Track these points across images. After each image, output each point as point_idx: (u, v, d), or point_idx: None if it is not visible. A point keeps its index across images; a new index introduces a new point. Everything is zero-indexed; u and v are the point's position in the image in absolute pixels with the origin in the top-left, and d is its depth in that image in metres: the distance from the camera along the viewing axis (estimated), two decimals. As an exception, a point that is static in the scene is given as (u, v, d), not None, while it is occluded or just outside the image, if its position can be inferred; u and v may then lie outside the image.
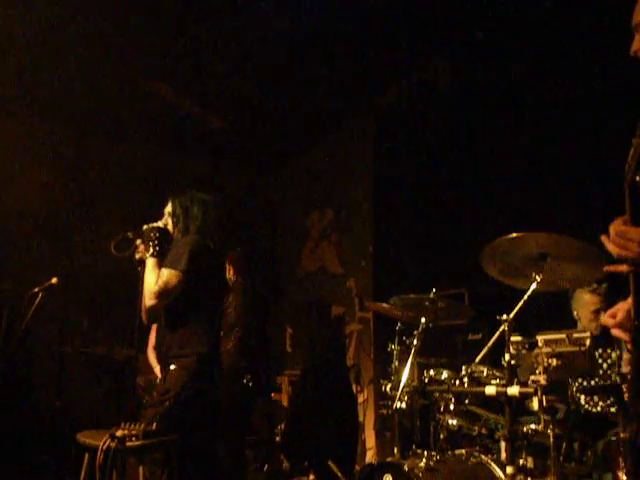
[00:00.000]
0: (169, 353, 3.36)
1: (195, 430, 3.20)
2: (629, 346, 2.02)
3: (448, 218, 5.94)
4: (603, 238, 1.82)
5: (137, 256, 3.51)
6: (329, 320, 7.15)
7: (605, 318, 2.07)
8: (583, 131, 4.74)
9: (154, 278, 3.31)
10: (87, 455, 2.87)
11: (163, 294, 3.28)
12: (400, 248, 6.66)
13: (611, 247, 1.82)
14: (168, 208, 3.64)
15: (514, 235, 3.27)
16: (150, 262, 3.39)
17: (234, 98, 6.75)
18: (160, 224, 3.55)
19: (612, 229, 1.79)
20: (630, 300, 2.05)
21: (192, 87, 6.55)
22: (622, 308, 2.04)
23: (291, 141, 7.90)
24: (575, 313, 4.26)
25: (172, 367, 3.27)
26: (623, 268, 1.82)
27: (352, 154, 7.57)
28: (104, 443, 2.71)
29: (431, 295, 3.84)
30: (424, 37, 5.57)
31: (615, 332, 2.02)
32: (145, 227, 3.50)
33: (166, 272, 3.30)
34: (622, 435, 3.08)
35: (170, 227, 3.58)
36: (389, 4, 5.24)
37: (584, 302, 4.20)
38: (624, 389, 2.02)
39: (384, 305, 4.31)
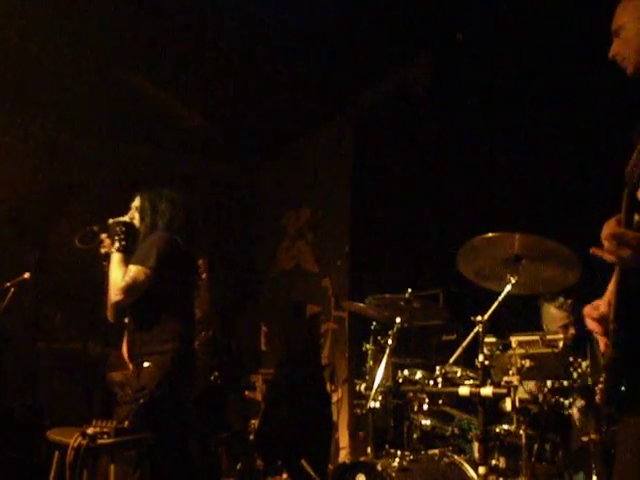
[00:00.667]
0: (143, 350, 3.33)
1: (168, 428, 3.18)
2: (602, 345, 2.04)
3: (425, 219, 5.96)
4: (594, 250, 1.81)
5: (102, 250, 3.46)
6: (304, 319, 7.14)
7: (587, 309, 2.07)
8: (562, 132, 4.78)
9: (120, 274, 3.27)
10: (57, 453, 2.83)
11: (129, 290, 3.24)
12: (376, 248, 6.67)
13: (606, 250, 1.81)
14: (135, 203, 3.59)
15: (490, 235, 3.29)
16: (115, 257, 3.35)
17: (214, 96, 6.72)
18: (126, 218, 3.50)
19: (607, 228, 1.76)
20: (607, 296, 2.07)
21: (172, 83, 6.51)
22: (603, 302, 2.05)
23: (269, 140, 7.88)
24: (544, 326, 4.29)
25: (146, 364, 3.24)
26: (609, 255, 1.79)
27: (330, 154, 7.57)
28: (75, 441, 2.68)
29: (406, 295, 3.85)
30: (403, 38, 5.58)
31: (590, 324, 2.02)
32: (111, 221, 3.46)
33: (134, 268, 3.26)
34: (593, 436, 3.12)
35: (137, 222, 3.53)
36: (369, 5, 5.24)
37: (552, 317, 4.23)
38: (596, 391, 2.04)
39: (359, 304, 4.31)
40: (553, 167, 4.89)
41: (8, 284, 4.51)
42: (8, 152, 6.77)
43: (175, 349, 3.28)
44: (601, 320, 2.00)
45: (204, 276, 5.20)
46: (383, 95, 6.53)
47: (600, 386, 1.94)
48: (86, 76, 6.18)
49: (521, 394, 3.17)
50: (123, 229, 3.41)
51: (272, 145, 8.10)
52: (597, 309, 2.03)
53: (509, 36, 5.05)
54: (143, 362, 3.26)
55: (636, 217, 1.75)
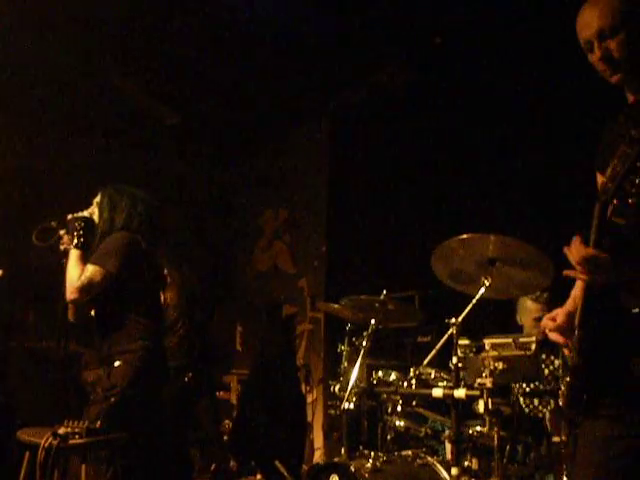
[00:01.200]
0: (113, 349, 3.29)
1: (140, 427, 3.14)
2: (566, 351, 2.08)
3: (401, 220, 5.99)
4: (565, 250, 1.83)
5: (61, 247, 3.40)
6: (280, 319, 7.13)
7: (544, 321, 2.12)
8: (538, 135, 4.83)
9: (77, 272, 3.21)
10: (28, 453, 2.80)
11: (84, 290, 3.19)
12: (353, 249, 6.69)
13: (579, 273, 1.83)
14: (96, 198, 3.53)
15: (464, 236, 3.31)
16: (73, 254, 3.29)
17: (191, 94, 6.70)
18: (85, 214, 3.43)
19: (577, 252, 1.78)
20: (568, 305, 2.11)
21: (148, 82, 6.48)
22: (561, 312, 2.10)
23: (246, 140, 7.87)
24: (519, 319, 4.33)
25: (117, 363, 3.20)
26: (582, 276, 1.84)
27: (307, 154, 7.57)
28: (46, 441, 2.65)
29: (381, 297, 3.86)
30: (380, 38, 5.60)
31: (553, 336, 2.07)
32: (69, 217, 3.39)
33: (91, 268, 3.20)
34: (564, 438, 3.15)
35: (96, 218, 3.46)
36: (347, 5, 5.25)
37: (527, 309, 4.27)
38: (559, 394, 2.09)
39: (334, 306, 4.31)
40: (530, 169, 4.94)
41: (-20, 282, 4.46)
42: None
43: (145, 346, 3.25)
44: (560, 330, 2.05)
45: (169, 279, 5.17)
46: (360, 95, 6.55)
47: (563, 390, 1.99)
48: (62, 75, 6.12)
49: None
50: (82, 225, 3.34)
51: (249, 145, 8.08)
52: (555, 320, 2.09)
53: (486, 35, 5.08)
54: (114, 361, 3.23)
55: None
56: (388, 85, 6.10)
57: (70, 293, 3.21)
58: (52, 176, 7.13)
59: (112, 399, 3.09)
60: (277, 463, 3.84)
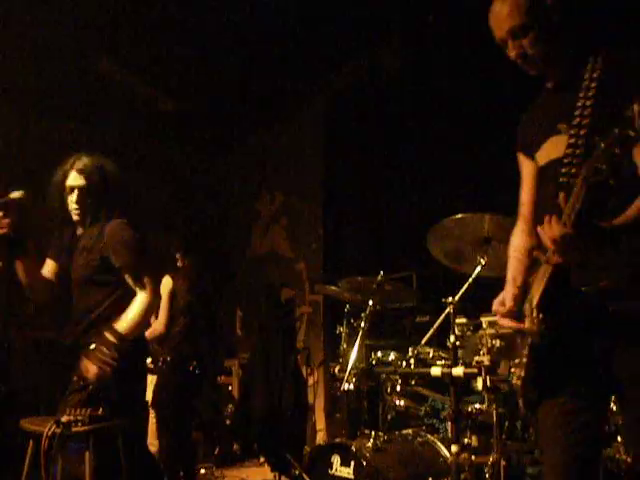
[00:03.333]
0: (87, 332, 3.16)
1: (121, 413, 2.99)
2: (518, 339, 2.11)
3: (398, 201, 5.98)
4: (539, 230, 1.85)
5: None
6: (279, 303, 7.16)
7: (495, 307, 2.15)
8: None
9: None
10: (31, 442, 2.82)
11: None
12: (349, 231, 6.70)
13: (553, 252, 1.85)
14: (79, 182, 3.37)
15: (459, 216, 3.33)
16: None
17: (184, 79, 6.67)
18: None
19: (552, 230, 1.79)
20: (511, 288, 2.13)
21: (142, 67, 6.45)
22: (508, 296, 2.12)
23: (241, 124, 7.85)
24: None
25: (92, 346, 3.01)
26: (551, 260, 1.87)
27: (303, 137, 7.57)
28: (49, 429, 2.67)
29: (379, 278, 3.88)
30: (373, 21, 5.57)
31: (504, 322, 2.09)
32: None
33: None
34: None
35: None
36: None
37: None
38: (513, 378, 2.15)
39: (332, 288, 4.34)
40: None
41: (-21, 273, 4.46)
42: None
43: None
44: (511, 315, 2.07)
45: (180, 264, 5.19)
46: (353, 79, 6.53)
47: (518, 373, 2.01)
48: (59, 62, 6.09)
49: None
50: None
51: (245, 130, 8.06)
52: (504, 304, 2.11)
53: (479, 17, 5.05)
54: (90, 345, 3.05)
55: None
56: (382, 67, 6.08)
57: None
58: (46, 164, 7.11)
59: (90, 387, 2.96)
60: (279, 445, 3.87)
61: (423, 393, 3.77)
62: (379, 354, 3.85)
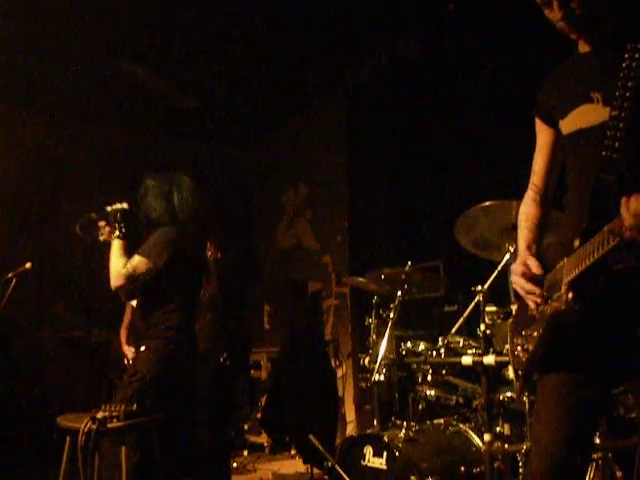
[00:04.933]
0: (140, 335, 3.34)
1: (169, 411, 3.15)
2: (531, 304, 2.02)
3: (423, 191, 5.95)
4: (623, 201, 1.65)
5: (101, 238, 3.45)
6: (306, 296, 7.18)
7: (519, 268, 2.05)
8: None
9: (121, 260, 3.25)
10: (69, 438, 2.87)
11: (129, 278, 3.22)
12: (375, 222, 6.68)
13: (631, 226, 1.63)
14: (142, 189, 3.52)
15: (487, 204, 3.31)
16: (116, 244, 3.32)
17: (206, 76, 6.69)
18: (124, 205, 3.47)
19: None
20: (530, 254, 2.07)
21: (164, 66, 6.48)
22: (532, 262, 2.03)
23: (264, 118, 7.87)
24: None
25: (142, 348, 3.26)
26: (625, 234, 1.66)
27: (326, 130, 7.56)
28: (85, 425, 2.71)
29: (406, 268, 3.87)
30: (393, 10, 5.55)
31: (528, 286, 1.99)
32: (109, 209, 3.44)
33: (137, 258, 3.24)
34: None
35: (147, 207, 3.46)
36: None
37: None
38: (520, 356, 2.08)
39: (360, 279, 4.34)
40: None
41: (10, 275, 4.52)
42: (5, 143, 6.75)
43: (170, 336, 3.25)
44: (534, 280, 1.99)
45: (210, 257, 5.21)
46: (375, 69, 6.50)
47: (526, 346, 1.96)
48: (83, 65, 6.15)
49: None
50: (121, 216, 3.40)
51: (267, 124, 8.08)
52: (529, 268, 2.01)
53: (499, 5, 5.01)
54: (140, 346, 3.28)
55: None
56: (402, 57, 6.05)
57: (115, 280, 3.24)
58: (73, 166, 7.20)
59: (135, 384, 3.12)
60: (311, 437, 3.87)
61: (454, 382, 3.75)
62: (409, 344, 3.85)
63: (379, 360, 3.66)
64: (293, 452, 6.29)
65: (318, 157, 7.70)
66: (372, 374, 3.69)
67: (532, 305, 2.02)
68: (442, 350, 3.59)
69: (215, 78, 6.73)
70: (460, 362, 3.33)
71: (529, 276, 2.00)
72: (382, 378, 3.69)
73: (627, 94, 1.82)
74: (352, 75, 6.83)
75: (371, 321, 4.07)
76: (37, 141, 7.08)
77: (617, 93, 1.84)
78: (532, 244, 2.15)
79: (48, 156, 7.11)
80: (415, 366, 3.79)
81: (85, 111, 7.09)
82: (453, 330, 3.71)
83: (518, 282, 2.03)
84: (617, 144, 1.79)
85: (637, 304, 1.81)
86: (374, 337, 3.99)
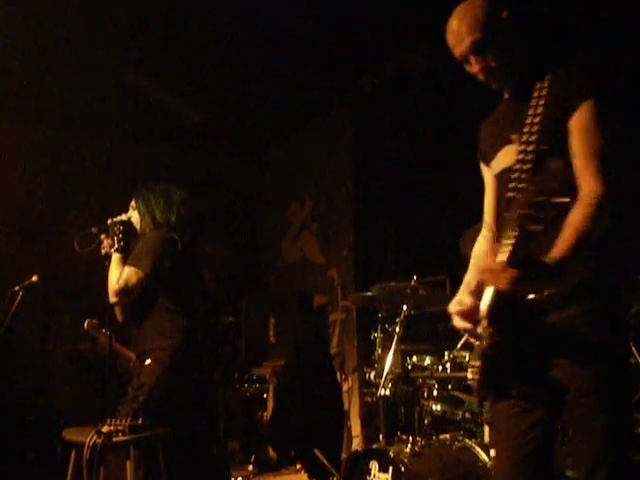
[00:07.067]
0: (145, 347, 3.32)
1: (172, 423, 3.12)
2: (471, 339, 2.12)
3: (429, 205, 5.96)
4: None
5: (103, 251, 3.44)
6: (312, 310, 7.16)
7: (451, 306, 2.14)
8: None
9: (117, 275, 3.26)
10: (74, 452, 2.86)
11: (123, 292, 3.23)
12: (381, 236, 6.68)
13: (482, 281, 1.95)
14: (133, 202, 3.54)
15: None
16: (115, 257, 3.33)
17: (212, 90, 6.71)
18: (124, 217, 3.46)
19: (484, 262, 1.89)
20: (467, 290, 2.19)
21: (169, 79, 6.51)
22: (465, 298, 2.12)
23: (269, 131, 7.88)
24: None
25: (147, 362, 3.23)
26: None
27: (331, 143, 7.57)
28: (90, 439, 2.71)
29: (412, 282, 3.86)
30: (401, 23, 5.57)
31: (458, 322, 2.10)
32: (109, 221, 3.43)
33: (127, 270, 3.24)
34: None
35: (135, 220, 3.49)
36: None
37: None
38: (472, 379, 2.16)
39: (365, 294, 4.33)
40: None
41: (17, 287, 4.53)
42: (9, 156, 6.78)
43: (175, 345, 3.24)
44: (465, 315, 2.07)
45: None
46: (382, 81, 6.52)
47: (473, 375, 2.02)
48: (89, 77, 6.18)
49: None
50: (121, 228, 3.38)
51: (272, 137, 8.10)
52: (462, 304, 2.11)
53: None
54: (145, 359, 3.25)
55: None
56: (410, 70, 6.07)
57: (111, 296, 3.26)
58: (81, 178, 7.23)
59: (140, 398, 3.12)
60: (317, 452, 3.86)
61: (460, 397, 3.75)
62: (414, 359, 3.84)
63: (385, 374, 3.66)
64: (298, 467, 6.26)
65: (324, 171, 7.71)
66: (378, 388, 3.69)
67: (472, 340, 2.12)
68: (448, 365, 3.58)
69: (220, 91, 6.75)
70: (466, 377, 3.32)
71: (464, 314, 2.08)
72: (388, 393, 3.69)
73: (531, 136, 1.96)
74: (358, 89, 6.84)
75: (377, 335, 4.07)
76: (45, 154, 7.11)
77: (523, 134, 1.99)
78: (472, 280, 2.23)
79: (54, 169, 7.14)
80: (421, 381, 3.78)
81: (93, 125, 7.12)
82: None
83: (454, 321, 2.13)
84: (519, 185, 1.87)
85: (550, 332, 1.94)
86: (380, 351, 3.98)
